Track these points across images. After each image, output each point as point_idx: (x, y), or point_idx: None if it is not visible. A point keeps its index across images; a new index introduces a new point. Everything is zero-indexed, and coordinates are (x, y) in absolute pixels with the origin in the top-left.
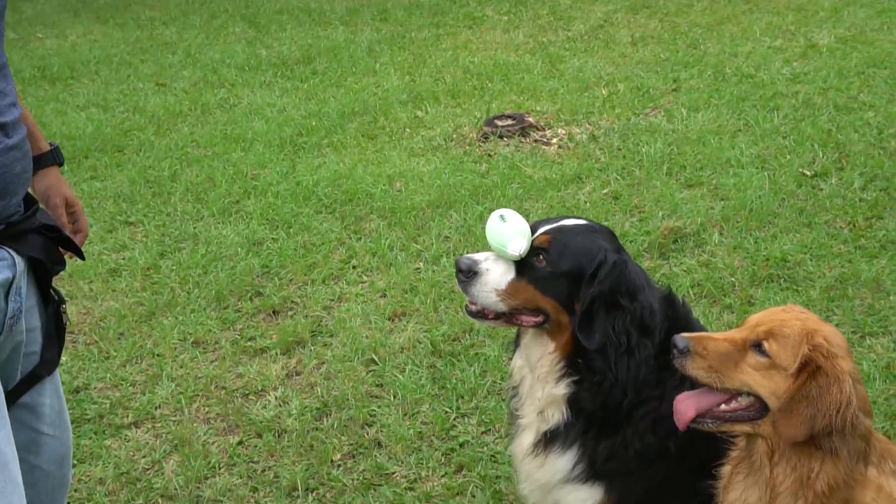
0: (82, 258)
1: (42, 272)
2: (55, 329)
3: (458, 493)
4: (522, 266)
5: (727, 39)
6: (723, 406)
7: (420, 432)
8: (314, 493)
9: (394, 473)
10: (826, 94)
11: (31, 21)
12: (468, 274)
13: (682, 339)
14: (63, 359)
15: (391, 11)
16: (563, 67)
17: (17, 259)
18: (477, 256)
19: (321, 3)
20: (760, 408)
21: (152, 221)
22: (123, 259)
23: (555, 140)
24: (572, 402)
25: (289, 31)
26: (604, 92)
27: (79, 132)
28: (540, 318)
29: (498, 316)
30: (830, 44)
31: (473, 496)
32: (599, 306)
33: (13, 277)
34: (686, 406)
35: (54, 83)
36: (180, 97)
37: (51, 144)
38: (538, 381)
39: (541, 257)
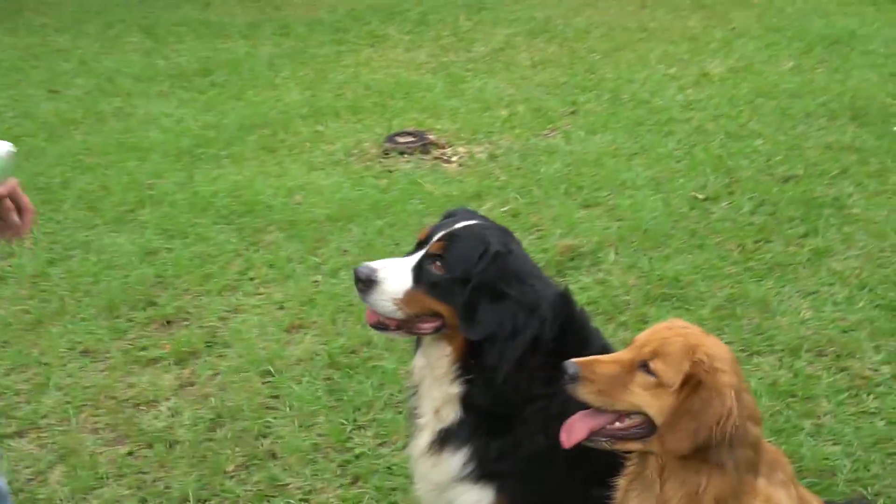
0: None
1: None
2: None
3: None
4: (420, 273)
5: (624, 66)
6: (617, 424)
7: (316, 444)
8: None
9: (288, 485)
10: (717, 121)
11: None
12: (367, 283)
13: (572, 364)
14: None
15: (292, 27)
16: (463, 87)
17: None
18: (375, 265)
19: (221, 16)
20: (649, 425)
21: (41, 229)
22: (10, 266)
23: (455, 158)
24: (465, 399)
25: (187, 43)
26: (504, 112)
27: None
28: (437, 324)
29: (399, 325)
30: (722, 73)
31: None
32: (482, 296)
33: None
34: (579, 427)
35: None
36: (73, 105)
37: None
38: (436, 381)
39: (438, 264)
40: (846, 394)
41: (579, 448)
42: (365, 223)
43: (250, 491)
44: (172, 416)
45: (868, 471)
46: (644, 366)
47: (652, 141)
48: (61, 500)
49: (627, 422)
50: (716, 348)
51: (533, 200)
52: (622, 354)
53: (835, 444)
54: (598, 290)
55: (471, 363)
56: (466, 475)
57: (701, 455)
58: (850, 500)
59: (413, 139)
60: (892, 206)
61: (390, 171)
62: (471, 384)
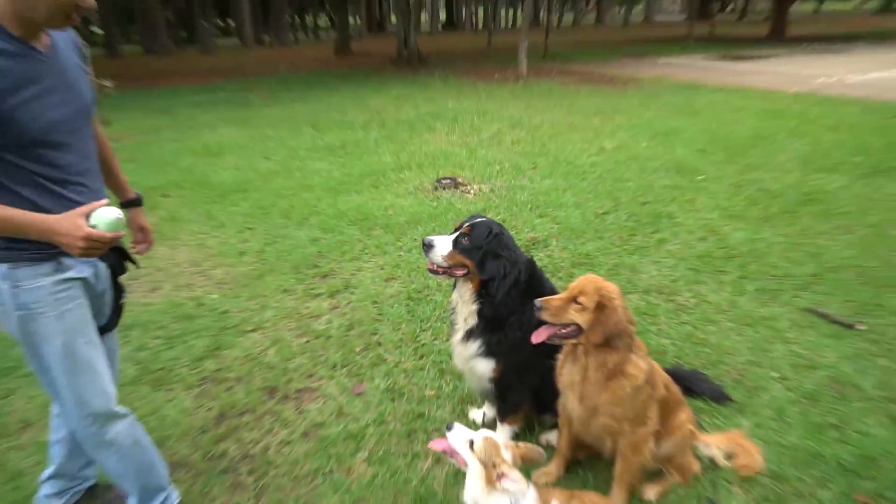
0: (135, 264)
1: (114, 273)
2: (118, 307)
3: (420, 369)
4: (456, 243)
5: (560, 143)
6: (562, 330)
7: (401, 338)
8: (345, 368)
9: (387, 359)
10: (609, 172)
11: (201, 125)
12: (428, 246)
13: (538, 301)
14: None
15: (387, 123)
16: (476, 154)
17: (99, 263)
18: (433, 238)
19: (350, 118)
20: (578, 330)
21: (261, 227)
22: (247, 246)
23: (472, 191)
24: (479, 313)
25: (334, 132)
26: (497, 167)
27: (225, 181)
28: (465, 271)
29: (444, 272)
30: (611, 148)
31: (429, 371)
32: (488, 256)
33: (97, 271)
34: (541, 332)
35: (213, 156)
36: (277, 165)
37: (136, 193)
38: (464, 303)
39: (466, 238)
40: (673, 313)
41: (540, 343)
42: (425, 224)
43: (368, 361)
44: (328, 323)
45: (684, 352)
46: (574, 299)
47: (574, 182)
48: (274, 364)
49: (568, 329)
50: (611, 287)
51: (513, 214)
52: (563, 294)
53: (666, 338)
54: (547, 260)
55: (482, 293)
56: (481, 353)
57: (606, 342)
58: (674, 367)
59: (450, 181)
60: (697, 218)
61: (438, 198)
62: (482, 304)
